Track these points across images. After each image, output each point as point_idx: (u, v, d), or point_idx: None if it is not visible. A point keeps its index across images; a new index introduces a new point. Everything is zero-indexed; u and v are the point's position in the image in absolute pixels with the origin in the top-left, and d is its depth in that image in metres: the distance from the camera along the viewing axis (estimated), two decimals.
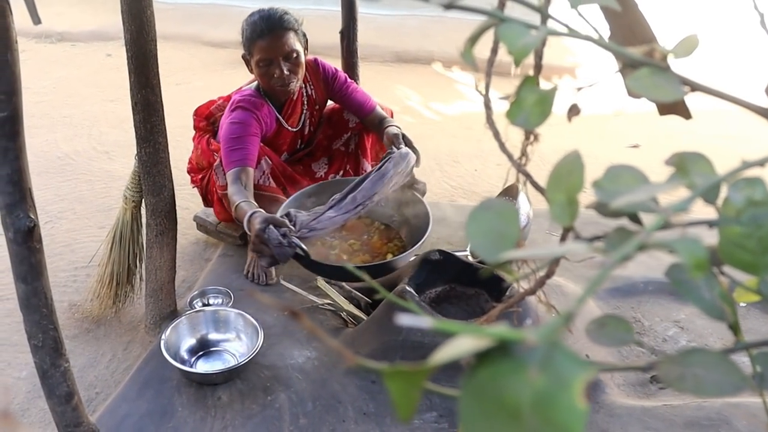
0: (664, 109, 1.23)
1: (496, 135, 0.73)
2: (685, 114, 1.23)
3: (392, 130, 2.81)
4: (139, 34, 2.39)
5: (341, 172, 3.20)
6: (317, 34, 6.98)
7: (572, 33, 0.57)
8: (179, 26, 7.51)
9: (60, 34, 7.77)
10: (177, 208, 2.73)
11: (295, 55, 2.73)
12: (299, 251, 2.20)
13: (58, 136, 5.05)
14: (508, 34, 0.55)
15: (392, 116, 3.35)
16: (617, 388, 2.37)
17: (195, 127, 3.25)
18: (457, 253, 2.84)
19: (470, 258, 3.06)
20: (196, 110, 3.24)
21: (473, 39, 0.58)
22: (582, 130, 4.81)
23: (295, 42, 2.73)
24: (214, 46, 7.23)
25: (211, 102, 3.23)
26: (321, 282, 2.76)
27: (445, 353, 0.35)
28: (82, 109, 5.59)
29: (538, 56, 0.75)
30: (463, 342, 0.35)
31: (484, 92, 0.73)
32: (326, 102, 3.14)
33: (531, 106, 0.59)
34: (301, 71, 2.79)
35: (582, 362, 0.34)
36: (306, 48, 2.86)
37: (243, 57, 2.83)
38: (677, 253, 0.42)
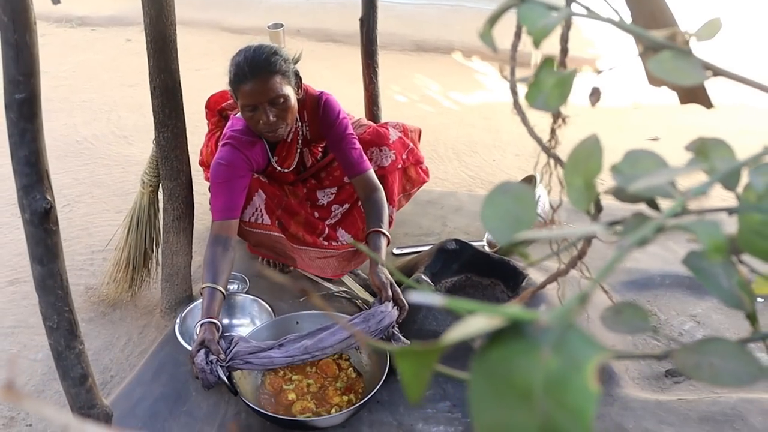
0: (685, 97, 1.21)
1: (524, 120, 0.72)
2: (707, 103, 1.21)
3: (380, 274, 2.43)
4: (159, 19, 2.39)
5: (347, 205, 3.01)
6: (337, 22, 7.01)
7: (592, 15, 0.56)
8: (199, 12, 7.51)
9: (80, 19, 7.79)
10: (194, 193, 2.73)
11: (282, 100, 2.47)
12: (226, 382, 2.15)
13: (77, 120, 5.07)
14: (528, 15, 0.54)
15: (419, 136, 3.25)
16: (632, 382, 2.36)
17: (207, 119, 3.23)
18: (474, 243, 2.84)
19: (487, 248, 3.05)
20: (208, 102, 3.18)
21: (492, 20, 0.57)
22: (600, 122, 4.77)
23: (282, 86, 2.47)
24: (234, 33, 7.22)
25: (224, 94, 3.15)
26: None
27: (457, 333, 0.34)
28: (102, 94, 5.61)
29: (564, 40, 0.74)
30: (476, 322, 0.35)
31: (509, 77, 0.72)
32: (323, 140, 2.90)
33: (550, 89, 0.58)
34: (291, 115, 2.54)
35: (596, 345, 0.33)
36: (299, 87, 2.61)
37: (231, 96, 2.61)
38: (695, 236, 0.41)
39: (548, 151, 0.76)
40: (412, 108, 5.26)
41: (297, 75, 2.59)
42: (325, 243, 2.89)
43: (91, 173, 4.18)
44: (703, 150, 0.52)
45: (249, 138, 2.64)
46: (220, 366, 2.12)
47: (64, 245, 3.30)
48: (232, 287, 2.84)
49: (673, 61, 0.54)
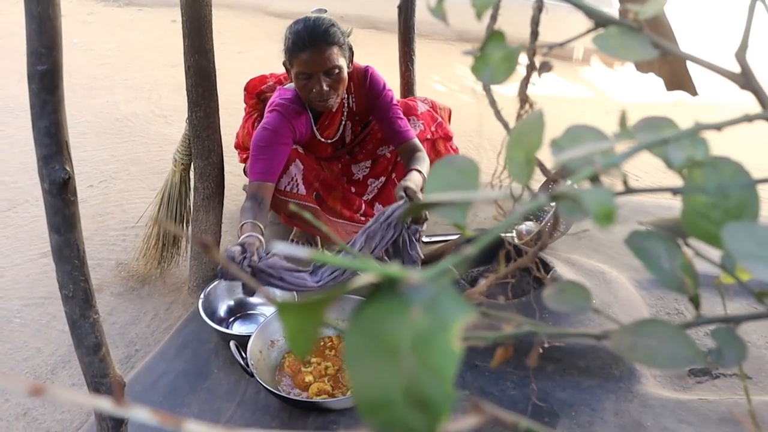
0: (672, 84, 1.19)
1: (492, 103, 0.72)
2: (692, 90, 1.19)
3: (403, 184, 2.52)
4: None
5: (383, 179, 3.07)
6: (379, 9, 7.00)
7: None
8: None
9: None
10: (225, 173, 2.76)
11: (336, 71, 2.57)
12: (246, 280, 2.15)
13: (119, 98, 5.13)
14: None
15: (450, 116, 3.27)
16: (653, 379, 2.34)
17: (245, 102, 3.26)
18: (502, 234, 2.83)
19: (515, 239, 3.04)
20: (247, 85, 3.21)
21: None
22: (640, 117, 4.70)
23: (338, 57, 2.56)
24: (278, 17, 7.24)
25: (263, 78, 3.20)
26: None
27: (343, 287, 0.35)
28: (144, 73, 5.67)
29: (535, 22, 0.73)
30: (361, 278, 0.35)
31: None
32: (368, 114, 2.95)
33: (497, 63, 0.57)
34: (342, 87, 2.64)
35: (465, 306, 0.33)
36: (351, 61, 2.70)
37: (284, 64, 2.67)
38: (584, 203, 0.41)
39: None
40: (451, 98, 5.24)
41: (350, 49, 2.69)
42: (363, 218, 2.93)
43: (129, 151, 4.23)
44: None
45: (296, 107, 2.71)
46: (251, 266, 2.16)
47: (99, 220, 3.38)
48: None
49: (619, 37, 0.53)
